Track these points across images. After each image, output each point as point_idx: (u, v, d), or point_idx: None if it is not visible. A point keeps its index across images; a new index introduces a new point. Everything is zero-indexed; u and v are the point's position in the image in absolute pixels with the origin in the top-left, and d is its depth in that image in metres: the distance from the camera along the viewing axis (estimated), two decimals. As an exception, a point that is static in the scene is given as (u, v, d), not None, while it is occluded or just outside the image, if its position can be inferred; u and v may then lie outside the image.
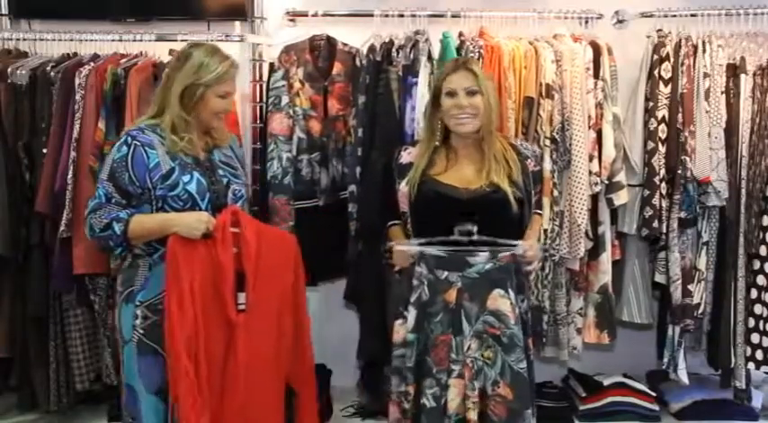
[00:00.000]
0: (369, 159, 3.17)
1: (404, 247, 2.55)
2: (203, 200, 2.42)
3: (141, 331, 2.40)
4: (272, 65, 3.33)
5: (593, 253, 3.26)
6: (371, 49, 3.26)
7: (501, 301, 2.47)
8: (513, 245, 2.48)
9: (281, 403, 2.53)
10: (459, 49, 3.22)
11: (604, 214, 3.28)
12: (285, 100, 3.25)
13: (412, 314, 2.52)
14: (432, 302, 2.50)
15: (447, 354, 2.47)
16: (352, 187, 3.23)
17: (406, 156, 2.66)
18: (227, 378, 2.38)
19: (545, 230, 3.15)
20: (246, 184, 2.65)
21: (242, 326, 2.39)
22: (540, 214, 2.79)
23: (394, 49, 3.23)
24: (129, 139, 2.41)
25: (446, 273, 2.50)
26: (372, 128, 3.18)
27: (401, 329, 2.56)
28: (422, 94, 3.09)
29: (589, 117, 3.19)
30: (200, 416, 2.30)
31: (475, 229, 2.46)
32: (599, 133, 3.21)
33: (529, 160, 2.63)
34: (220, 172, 2.52)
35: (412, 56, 3.19)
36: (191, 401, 2.29)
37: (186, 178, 2.41)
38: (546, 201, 3.11)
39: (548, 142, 3.15)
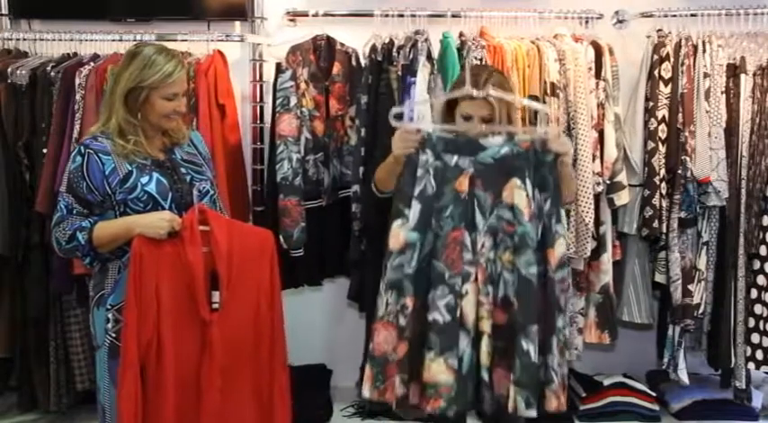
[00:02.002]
0: (371, 159, 3.17)
1: (409, 125, 2.31)
2: (166, 200, 2.37)
3: (113, 335, 2.36)
4: (278, 65, 3.32)
5: (595, 253, 3.26)
6: (373, 48, 3.26)
7: (517, 192, 2.16)
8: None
9: (257, 402, 2.47)
10: (459, 49, 3.22)
11: (606, 214, 3.28)
12: (293, 101, 3.25)
13: (415, 209, 2.20)
14: (439, 194, 2.19)
15: (461, 254, 2.16)
16: (356, 187, 3.22)
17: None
18: (203, 378, 2.34)
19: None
20: (212, 181, 2.56)
21: (216, 325, 2.34)
22: None
23: (395, 50, 3.23)
24: (83, 148, 2.36)
25: (456, 157, 2.20)
26: (374, 128, 3.18)
27: (401, 231, 2.20)
28: (420, 93, 3.09)
29: (591, 117, 3.19)
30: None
31: None
32: (601, 133, 3.22)
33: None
34: (183, 170, 2.45)
35: (411, 56, 3.19)
36: (131, 409, 2.26)
37: (145, 179, 2.36)
38: None
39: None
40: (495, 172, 2.19)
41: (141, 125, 2.38)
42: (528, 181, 2.17)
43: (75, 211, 2.36)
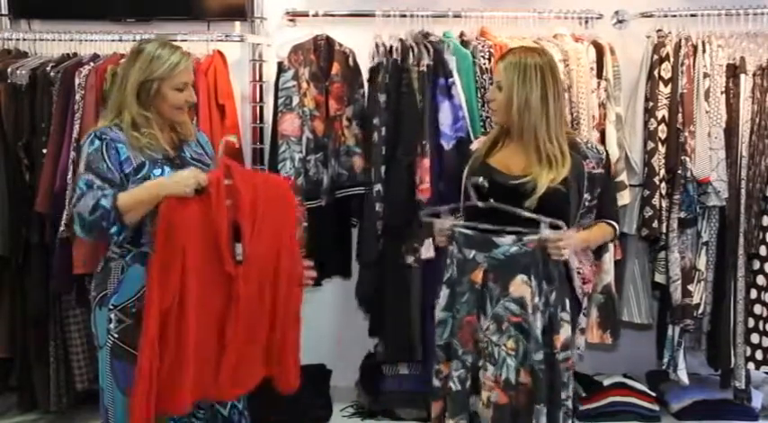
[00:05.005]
0: (393, 158, 3.18)
1: (437, 222, 2.53)
2: None
3: (116, 335, 2.35)
4: (280, 64, 3.32)
5: (596, 253, 3.25)
6: (390, 49, 3.25)
7: (523, 287, 2.39)
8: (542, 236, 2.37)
9: (268, 355, 2.46)
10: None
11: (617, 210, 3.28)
12: (296, 100, 3.25)
13: (444, 293, 2.52)
14: (459, 282, 2.48)
15: (472, 335, 2.44)
16: (378, 186, 3.21)
17: (476, 143, 2.66)
18: (229, 332, 2.33)
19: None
20: None
21: (241, 278, 2.33)
22: (610, 224, 2.57)
23: (400, 50, 3.24)
24: (99, 133, 2.36)
25: (473, 252, 2.45)
26: (396, 126, 3.19)
27: (436, 310, 2.56)
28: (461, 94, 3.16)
29: (593, 117, 3.19)
30: (149, 397, 2.25)
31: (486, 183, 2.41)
32: (602, 133, 3.22)
33: (588, 161, 2.47)
34: (192, 168, 2.41)
35: (432, 56, 3.19)
36: (146, 387, 2.24)
37: (157, 172, 2.35)
38: None
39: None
40: (505, 268, 2.42)
41: (154, 119, 2.39)
42: (533, 278, 2.40)
43: (95, 186, 2.30)
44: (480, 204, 2.44)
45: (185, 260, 2.27)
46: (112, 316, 2.35)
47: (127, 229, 2.32)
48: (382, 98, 3.22)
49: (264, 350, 2.45)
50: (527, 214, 2.38)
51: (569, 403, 2.49)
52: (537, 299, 2.39)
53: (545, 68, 2.43)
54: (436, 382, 2.54)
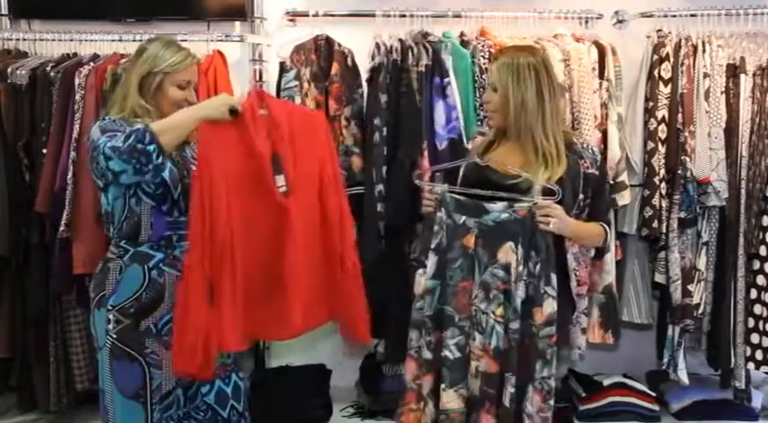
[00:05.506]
0: (395, 158, 3.18)
1: (427, 185, 2.50)
2: (176, 189, 2.34)
3: (114, 336, 2.33)
4: (282, 64, 3.32)
5: (597, 253, 3.26)
6: (391, 49, 3.25)
7: (511, 255, 2.37)
8: (532, 201, 2.35)
9: (331, 284, 2.44)
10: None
11: (609, 214, 3.28)
12: (298, 100, 3.25)
13: (432, 260, 2.46)
14: (450, 248, 2.44)
15: (469, 300, 2.41)
16: (380, 186, 3.21)
17: (472, 142, 2.66)
18: (286, 262, 2.28)
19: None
20: None
21: (292, 207, 2.29)
22: (602, 226, 2.54)
23: (401, 50, 3.23)
24: (105, 118, 2.36)
25: (464, 217, 2.42)
26: (396, 126, 3.19)
27: (422, 279, 2.48)
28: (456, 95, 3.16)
29: (595, 117, 3.20)
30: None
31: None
32: (604, 133, 3.22)
33: (583, 161, 2.47)
34: (193, 167, 2.41)
35: (432, 56, 3.19)
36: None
37: None
38: None
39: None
40: (494, 234, 2.40)
41: (154, 112, 2.39)
42: (520, 245, 2.37)
43: (123, 129, 2.26)
44: (479, 161, 2.44)
45: (228, 186, 2.22)
46: (111, 316, 2.33)
47: (166, 160, 2.25)
48: (383, 98, 3.22)
49: (325, 290, 2.41)
50: (516, 171, 2.36)
51: (551, 382, 2.44)
52: (521, 267, 2.37)
53: (539, 67, 2.42)
54: (427, 354, 2.46)
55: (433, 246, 2.46)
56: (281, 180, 2.32)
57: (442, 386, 2.42)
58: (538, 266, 2.38)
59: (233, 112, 2.25)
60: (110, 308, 2.34)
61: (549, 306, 2.39)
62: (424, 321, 2.47)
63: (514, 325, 2.36)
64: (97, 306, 2.38)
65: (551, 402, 2.44)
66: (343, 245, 2.45)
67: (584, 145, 2.55)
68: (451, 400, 2.40)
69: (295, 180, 2.33)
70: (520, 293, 2.36)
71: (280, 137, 2.30)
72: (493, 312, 2.38)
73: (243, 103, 2.28)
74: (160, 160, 2.22)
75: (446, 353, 2.42)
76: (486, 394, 2.38)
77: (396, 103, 3.22)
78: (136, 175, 2.23)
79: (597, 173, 2.50)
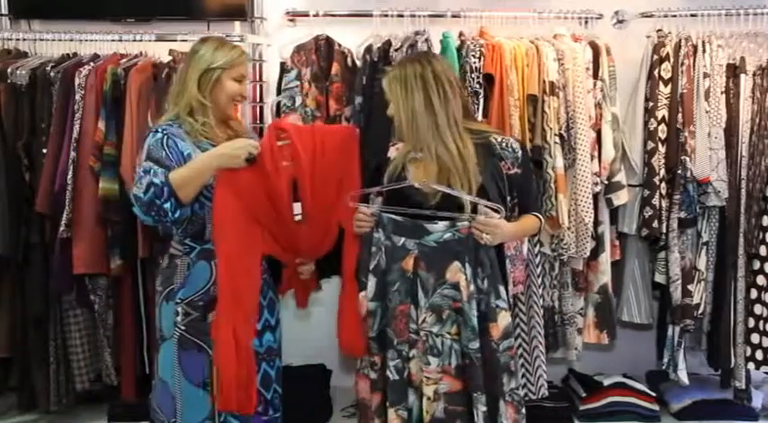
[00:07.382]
0: (361, 160, 3.17)
1: (364, 208, 2.45)
2: None
3: (183, 327, 2.45)
4: (283, 65, 3.32)
5: (593, 253, 3.26)
6: (368, 49, 3.25)
7: (459, 274, 2.36)
8: (472, 217, 2.33)
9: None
10: (459, 49, 3.21)
11: (604, 214, 3.29)
12: (299, 100, 3.26)
13: (372, 282, 2.44)
14: (389, 270, 2.41)
15: (406, 325, 2.39)
16: None
17: (392, 151, 2.57)
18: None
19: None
20: None
21: (302, 237, 2.47)
22: (536, 216, 2.53)
23: (392, 50, 3.22)
24: (160, 129, 2.43)
25: (403, 239, 2.39)
26: (367, 129, 3.18)
27: (363, 301, 2.47)
28: None
29: (589, 117, 3.19)
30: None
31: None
32: (598, 133, 3.22)
33: (503, 162, 2.43)
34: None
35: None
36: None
37: None
38: (561, 197, 3.12)
39: (557, 139, 3.13)
40: (438, 255, 2.37)
41: (211, 109, 2.46)
42: (467, 264, 2.36)
43: (152, 171, 2.35)
44: (416, 184, 2.38)
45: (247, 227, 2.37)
46: (179, 309, 2.45)
47: (184, 209, 2.36)
48: (358, 100, 3.22)
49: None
50: (469, 198, 2.33)
51: (520, 392, 2.47)
52: (472, 286, 2.36)
53: (426, 75, 2.36)
54: (372, 375, 2.48)
55: (371, 267, 2.45)
56: (297, 208, 2.42)
57: (387, 404, 2.44)
58: (485, 282, 2.39)
59: (249, 160, 2.34)
60: (178, 301, 2.45)
61: (504, 319, 2.41)
62: (369, 342, 2.47)
63: (474, 344, 2.36)
64: (165, 299, 2.49)
65: (523, 411, 2.46)
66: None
67: (504, 144, 2.46)
68: (394, 419, 2.41)
69: (312, 208, 2.45)
70: (474, 312, 2.36)
71: (301, 169, 2.40)
72: (448, 332, 2.38)
73: (261, 142, 2.38)
74: (177, 215, 2.34)
75: (388, 374, 2.43)
76: (453, 413, 2.37)
77: (368, 105, 3.20)
78: (156, 224, 2.45)
79: (520, 171, 2.46)
